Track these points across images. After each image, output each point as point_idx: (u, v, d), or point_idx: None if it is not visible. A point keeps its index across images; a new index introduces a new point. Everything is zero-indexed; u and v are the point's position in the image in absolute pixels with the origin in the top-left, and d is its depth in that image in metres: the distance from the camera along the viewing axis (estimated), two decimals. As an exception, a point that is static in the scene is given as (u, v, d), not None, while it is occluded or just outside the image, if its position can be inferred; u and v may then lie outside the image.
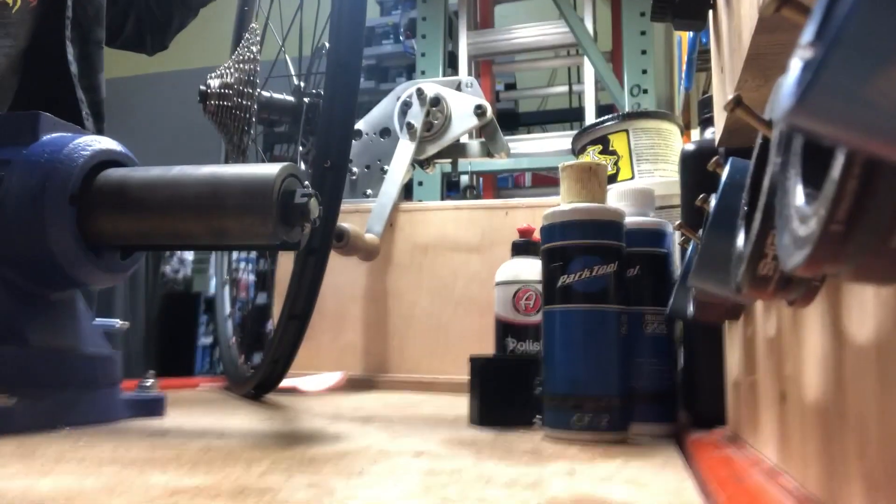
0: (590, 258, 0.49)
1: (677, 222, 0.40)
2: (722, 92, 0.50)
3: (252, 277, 2.88)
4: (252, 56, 0.75)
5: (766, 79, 0.40)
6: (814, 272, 0.15)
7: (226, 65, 0.80)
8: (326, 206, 0.58)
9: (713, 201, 0.32)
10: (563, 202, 0.54)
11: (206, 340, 2.91)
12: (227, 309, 1.03)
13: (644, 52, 1.75)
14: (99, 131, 0.95)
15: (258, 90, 0.76)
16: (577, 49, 2.00)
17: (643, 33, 1.76)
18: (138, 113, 3.21)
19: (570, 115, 2.33)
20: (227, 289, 1.06)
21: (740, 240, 0.23)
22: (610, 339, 0.48)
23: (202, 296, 2.95)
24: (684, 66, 1.12)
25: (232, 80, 0.77)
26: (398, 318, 1.02)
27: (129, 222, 0.54)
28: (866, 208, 0.12)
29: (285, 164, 0.54)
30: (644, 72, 1.73)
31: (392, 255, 1.05)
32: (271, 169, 0.52)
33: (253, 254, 2.76)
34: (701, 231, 0.38)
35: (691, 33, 0.93)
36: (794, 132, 0.19)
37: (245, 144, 0.75)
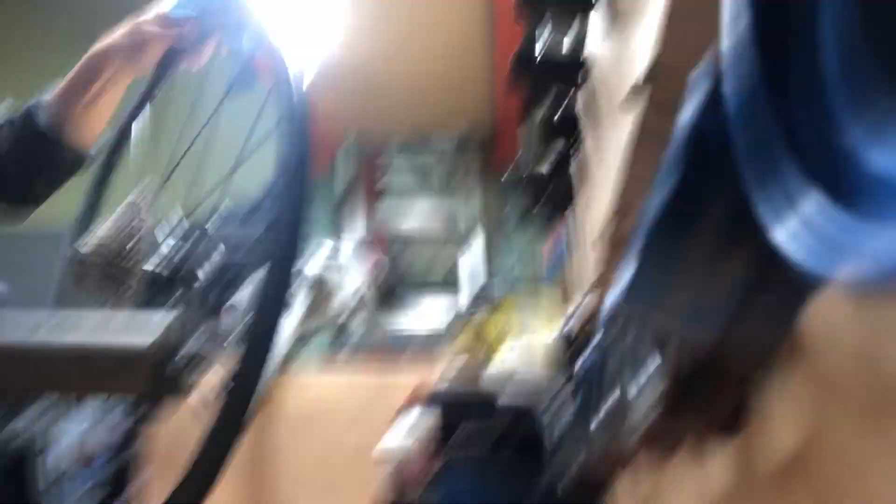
0: (473, 428, 0.51)
1: (555, 387, 0.44)
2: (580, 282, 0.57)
3: (114, 439, 2.57)
4: (135, 230, 0.76)
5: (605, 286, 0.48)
6: (648, 446, 0.19)
7: (101, 232, 0.78)
8: (246, 388, 0.56)
9: (583, 367, 0.35)
10: (444, 376, 0.57)
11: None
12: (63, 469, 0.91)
13: (513, 244, 1.91)
14: None
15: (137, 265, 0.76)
16: (456, 238, 2.16)
17: (512, 228, 1.94)
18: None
19: (449, 292, 2.44)
20: (59, 450, 0.94)
21: (607, 405, 0.27)
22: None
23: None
24: (548, 259, 1.24)
25: (109, 253, 0.76)
26: (284, 479, 0.96)
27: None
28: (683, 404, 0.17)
29: (161, 333, 0.53)
30: (514, 260, 1.89)
31: (269, 427, 1.01)
32: (145, 338, 0.51)
33: (117, 412, 2.48)
34: (576, 392, 0.42)
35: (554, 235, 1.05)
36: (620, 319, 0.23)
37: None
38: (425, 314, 2.07)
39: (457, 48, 1.70)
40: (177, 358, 0.54)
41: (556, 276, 1.14)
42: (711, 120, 0.13)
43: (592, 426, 0.28)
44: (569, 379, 0.47)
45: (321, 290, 1.13)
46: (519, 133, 2.19)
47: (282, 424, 1.00)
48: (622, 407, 0.23)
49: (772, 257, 0.15)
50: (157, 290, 0.80)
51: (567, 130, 0.48)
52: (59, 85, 0.90)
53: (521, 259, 1.95)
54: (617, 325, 0.25)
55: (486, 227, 2.26)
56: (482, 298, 0.98)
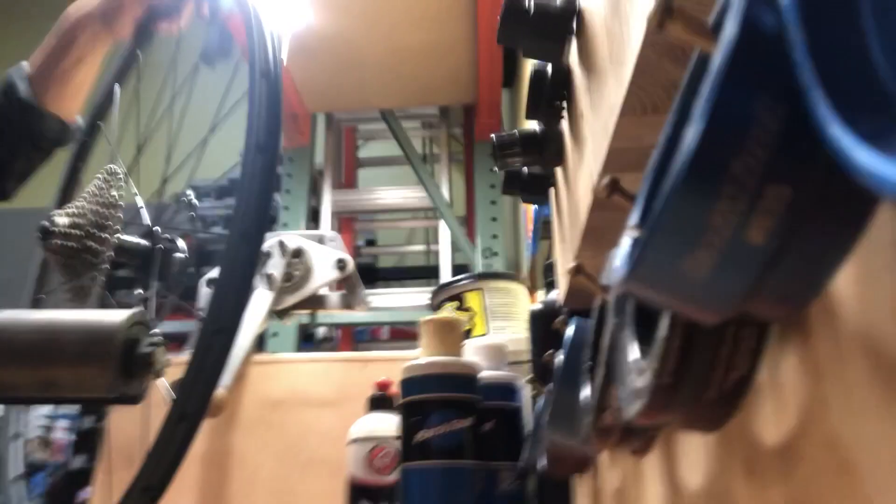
0: (447, 412, 0.50)
1: (528, 376, 0.42)
2: (564, 259, 0.55)
3: (71, 437, 2.55)
4: (112, 200, 0.73)
5: (600, 249, 0.46)
6: (649, 421, 0.17)
7: (78, 204, 0.76)
8: (210, 372, 0.54)
9: (559, 357, 0.34)
10: (422, 356, 0.55)
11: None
12: (20, 468, 0.89)
13: (494, 219, 1.90)
14: None
15: (114, 235, 0.73)
16: (434, 212, 2.13)
17: (493, 202, 1.92)
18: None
19: (427, 273, 2.42)
20: (18, 444, 0.92)
21: (586, 393, 0.25)
22: (465, 497, 0.48)
23: None
24: (530, 234, 1.23)
25: (85, 221, 0.73)
26: (240, 484, 0.94)
27: (-63, 370, 0.47)
28: (689, 363, 0.14)
29: (133, 310, 0.51)
30: (494, 236, 1.87)
31: (238, 412, 0.99)
32: (117, 315, 0.50)
33: (75, 410, 2.46)
34: (549, 385, 0.40)
35: (536, 206, 1.03)
36: (627, 297, 0.21)
37: (92, 288, 0.70)
38: (402, 292, 2.06)
39: (437, 13, 1.65)
40: (149, 336, 0.51)
41: (539, 247, 1.13)
42: (765, 16, 0.11)
43: (580, 404, 0.26)
44: (550, 356, 0.45)
45: (299, 262, 1.11)
46: (502, 97, 2.15)
47: (254, 407, 0.98)
48: (618, 377, 0.21)
49: (824, 185, 0.13)
50: (133, 261, 0.78)
51: (559, 84, 0.46)
52: (36, 55, 0.87)
53: (506, 234, 1.93)
54: (618, 299, 0.23)
55: (467, 197, 2.23)
56: (458, 278, 0.97)
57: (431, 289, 2.01)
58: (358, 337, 2.24)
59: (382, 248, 2.65)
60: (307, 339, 1.91)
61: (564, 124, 0.51)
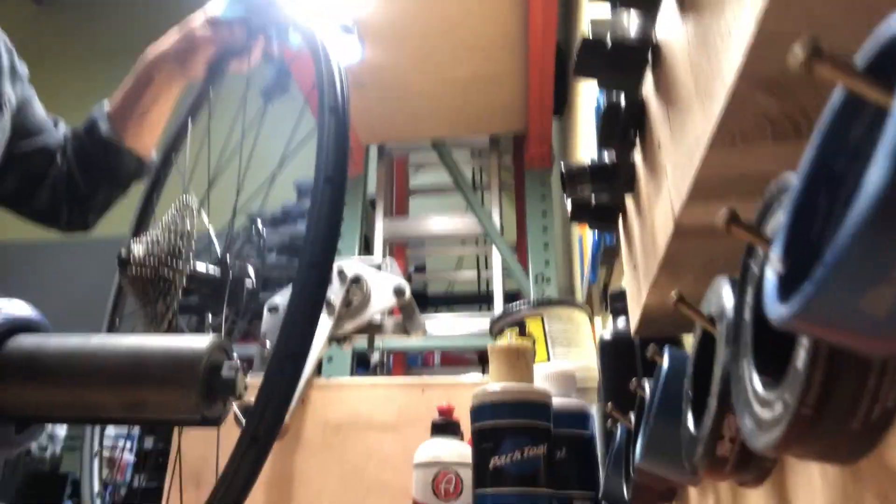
0: (520, 439, 0.50)
1: (608, 404, 0.42)
2: (635, 287, 0.55)
3: (131, 457, 2.62)
4: (185, 230, 0.76)
5: (677, 277, 0.46)
6: (782, 453, 0.17)
7: (153, 233, 0.80)
8: (281, 396, 0.56)
9: (648, 386, 0.34)
10: (491, 382, 0.56)
11: (66, 531, 2.54)
12: (97, 486, 0.92)
13: (546, 246, 1.89)
14: None
15: (187, 263, 0.76)
16: (485, 239, 2.14)
17: (545, 229, 1.92)
18: (30, 279, 3.06)
19: (478, 299, 2.42)
20: (96, 462, 0.96)
21: (690, 423, 0.25)
22: (542, 526, 0.48)
23: (69, 478, 2.62)
24: (587, 261, 1.22)
25: (159, 251, 0.77)
26: (304, 505, 0.95)
27: (36, 392, 0.50)
28: (832, 394, 0.15)
29: (214, 336, 0.53)
30: (547, 263, 1.86)
31: (301, 435, 1.00)
32: (200, 341, 0.51)
33: (135, 431, 2.53)
34: (632, 414, 0.40)
35: (595, 233, 1.03)
36: (742, 327, 0.21)
37: (168, 315, 0.73)
38: (457, 319, 2.06)
39: (488, 44, 1.68)
40: (230, 361, 0.53)
41: (598, 278, 1.12)
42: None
43: (684, 434, 0.26)
44: (631, 383, 0.45)
45: (358, 289, 1.13)
46: (553, 126, 2.16)
47: (316, 430, 1.00)
48: (739, 408, 0.21)
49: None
50: (204, 289, 0.81)
51: (633, 115, 0.46)
52: (116, 94, 0.93)
53: (559, 260, 1.93)
54: (732, 329, 0.23)
55: (518, 224, 2.24)
56: (517, 303, 0.97)
57: (484, 315, 2.02)
58: (410, 362, 2.25)
59: (432, 275, 2.67)
60: (361, 364, 1.92)
61: (637, 154, 0.51)
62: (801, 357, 0.16)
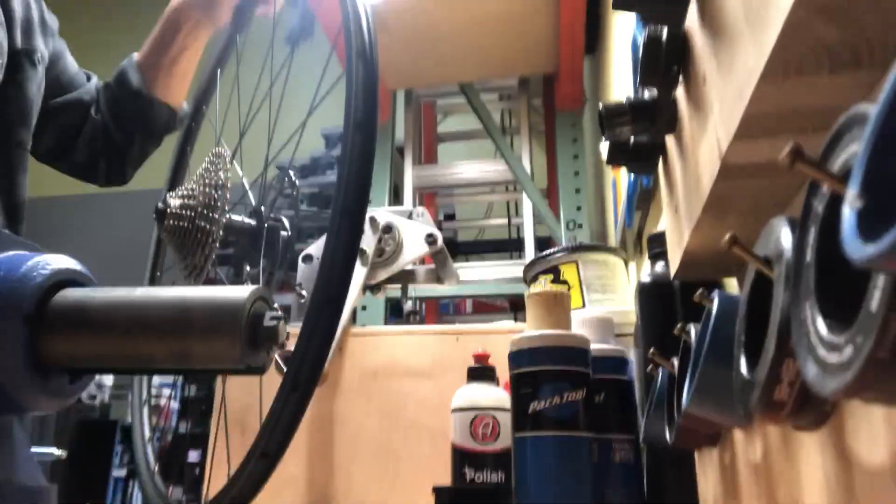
0: (559, 384, 0.50)
1: (651, 350, 0.42)
2: (677, 230, 0.54)
3: (176, 405, 2.72)
4: (221, 181, 0.76)
5: (723, 219, 0.44)
6: (852, 397, 0.16)
7: (188, 186, 0.80)
8: (320, 343, 0.56)
9: (693, 330, 0.33)
10: (529, 329, 0.56)
11: (119, 472, 2.67)
12: (147, 433, 0.96)
13: (578, 191, 1.87)
14: (15, 234, 0.89)
15: (223, 215, 0.77)
16: (514, 185, 2.11)
17: (577, 173, 1.89)
18: (70, 233, 3.13)
19: (508, 246, 2.42)
20: (146, 410, 1.00)
21: (743, 367, 0.25)
22: (583, 466, 0.48)
23: (119, 424, 2.74)
24: (621, 205, 1.20)
25: (195, 203, 0.77)
26: (344, 445, 0.98)
27: (86, 344, 0.51)
28: (911, 337, 0.14)
29: (255, 286, 0.53)
30: (578, 208, 1.84)
31: (339, 381, 1.02)
32: (242, 291, 0.52)
33: (178, 380, 2.62)
34: (675, 359, 0.40)
35: (631, 176, 1.01)
36: (805, 269, 0.20)
37: (206, 266, 0.74)
38: (485, 265, 2.06)
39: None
40: (271, 310, 0.54)
41: (633, 222, 1.10)
42: None
43: (738, 378, 0.26)
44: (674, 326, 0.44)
45: (390, 238, 1.13)
46: (584, 65, 2.09)
47: (354, 376, 1.02)
48: (801, 352, 0.20)
49: None
50: (242, 239, 0.82)
51: (676, 49, 0.44)
52: (144, 45, 0.93)
53: (591, 205, 1.90)
54: (792, 271, 0.22)
55: (548, 169, 2.20)
56: (552, 250, 0.96)
57: (515, 262, 2.01)
58: (442, 310, 2.28)
59: (462, 223, 2.66)
60: (394, 313, 1.95)
61: (679, 91, 0.49)
62: (875, 298, 0.15)
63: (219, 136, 0.86)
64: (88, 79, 0.97)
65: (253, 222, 0.85)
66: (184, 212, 0.81)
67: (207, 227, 0.79)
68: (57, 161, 0.96)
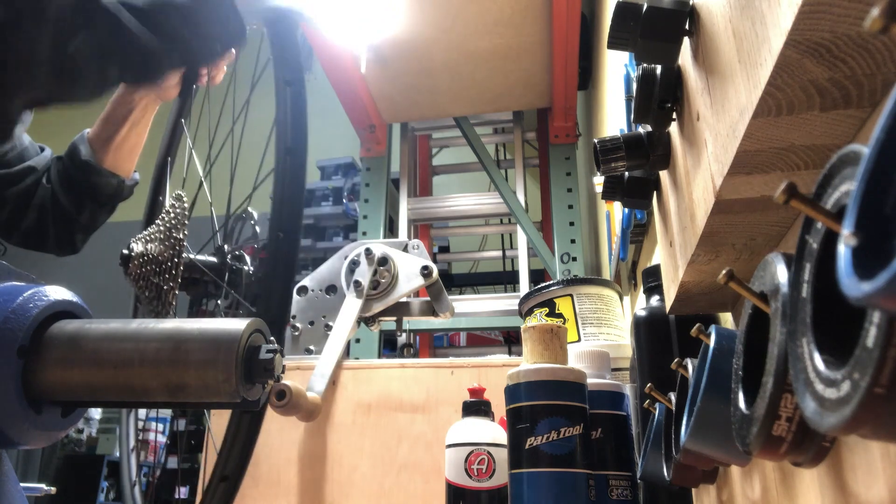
0: (557, 419, 0.50)
1: (649, 385, 0.42)
2: (672, 264, 0.54)
3: (163, 439, 2.68)
4: (180, 224, 0.78)
5: (717, 253, 0.45)
6: (849, 432, 0.16)
7: (151, 230, 0.81)
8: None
9: (691, 365, 0.33)
10: (525, 363, 0.55)
11: (105, 510, 2.61)
12: (134, 474, 0.95)
13: (572, 223, 1.88)
14: None
15: (185, 256, 0.78)
16: (509, 218, 2.13)
17: (570, 206, 1.90)
18: (66, 262, 3.12)
19: (502, 278, 2.42)
20: (132, 454, 0.99)
21: (741, 403, 0.25)
22: None
23: (105, 459, 2.70)
24: (615, 238, 1.21)
25: (155, 246, 0.78)
26: (336, 485, 0.97)
27: (80, 376, 0.51)
28: (908, 373, 0.14)
29: (252, 318, 0.53)
30: (572, 241, 1.85)
31: (333, 415, 1.01)
32: (238, 323, 0.52)
33: (167, 414, 2.58)
34: (672, 394, 0.40)
35: (625, 210, 1.02)
36: (801, 304, 0.21)
37: (170, 308, 0.75)
38: (479, 298, 2.06)
39: (511, 17, 1.65)
40: (267, 343, 0.53)
41: (628, 253, 1.11)
42: None
43: (736, 413, 0.26)
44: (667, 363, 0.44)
45: (385, 270, 1.13)
46: (577, 100, 2.11)
47: (347, 410, 1.01)
48: (798, 387, 0.20)
49: None
50: (205, 276, 0.83)
51: (670, 86, 0.45)
52: (97, 122, 0.97)
53: (585, 238, 1.91)
54: (788, 307, 0.22)
55: (542, 202, 2.22)
56: (552, 281, 0.96)
57: (509, 294, 2.01)
58: (436, 343, 2.26)
59: (456, 255, 2.67)
60: (388, 345, 1.94)
61: (673, 127, 0.50)
62: (871, 335, 0.15)
63: (184, 183, 0.88)
64: (42, 150, 1.01)
65: (215, 259, 0.85)
66: (145, 255, 0.80)
67: (169, 266, 0.79)
68: (8, 232, 0.97)
